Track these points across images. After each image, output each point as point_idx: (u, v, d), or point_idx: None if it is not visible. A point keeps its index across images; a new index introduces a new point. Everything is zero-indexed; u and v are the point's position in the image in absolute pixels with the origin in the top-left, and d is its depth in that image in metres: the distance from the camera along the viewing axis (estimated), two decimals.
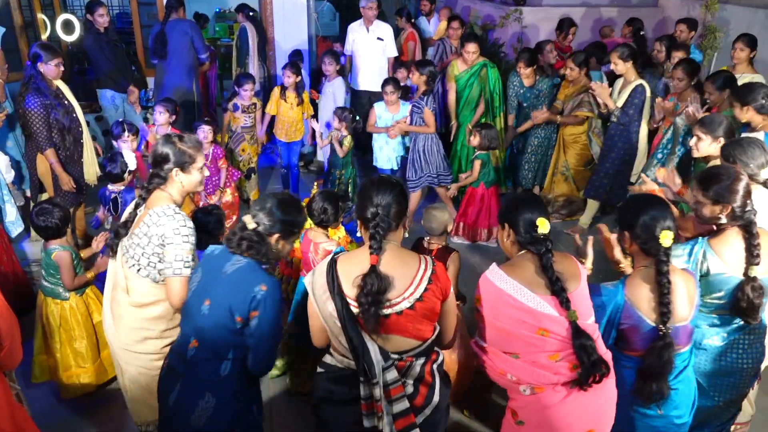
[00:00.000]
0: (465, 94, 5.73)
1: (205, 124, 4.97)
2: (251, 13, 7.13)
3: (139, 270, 2.53)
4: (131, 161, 3.95)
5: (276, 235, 2.33)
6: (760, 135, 3.32)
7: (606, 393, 2.20)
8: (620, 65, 4.82)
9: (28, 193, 5.21)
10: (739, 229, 2.48)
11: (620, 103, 4.85)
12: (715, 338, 2.59)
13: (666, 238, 2.19)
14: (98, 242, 3.32)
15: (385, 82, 5.33)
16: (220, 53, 8.83)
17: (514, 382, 2.20)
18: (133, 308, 2.58)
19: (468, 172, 5.17)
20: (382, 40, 6.46)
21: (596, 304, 2.26)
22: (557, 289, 2.11)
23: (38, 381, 3.41)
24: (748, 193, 2.46)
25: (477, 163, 4.99)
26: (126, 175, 3.91)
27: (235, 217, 5.40)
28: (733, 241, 2.49)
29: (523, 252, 2.25)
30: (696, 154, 3.35)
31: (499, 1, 7.99)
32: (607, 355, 2.18)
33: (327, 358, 2.25)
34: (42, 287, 3.32)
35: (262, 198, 2.40)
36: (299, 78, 5.70)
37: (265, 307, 2.20)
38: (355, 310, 2.07)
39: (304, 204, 3.09)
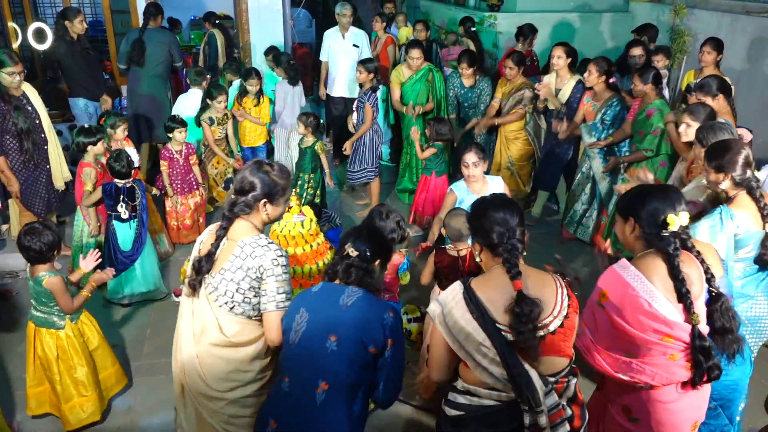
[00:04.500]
0: (410, 99, 5.86)
1: (180, 125, 5.05)
2: (217, 21, 7.44)
3: (232, 308, 2.31)
4: (135, 158, 4.20)
5: (378, 261, 2.28)
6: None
7: (709, 387, 2.26)
8: (562, 61, 5.18)
9: None
10: (746, 194, 2.83)
11: (564, 100, 5.22)
12: (749, 288, 2.92)
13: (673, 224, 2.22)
14: (87, 262, 3.12)
15: (470, 148, 3.90)
16: (192, 53, 8.90)
17: (629, 381, 2.20)
18: (228, 350, 2.35)
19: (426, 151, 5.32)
20: (357, 47, 6.49)
21: None
22: (684, 293, 2.08)
23: (35, 413, 3.26)
24: (747, 164, 2.79)
25: (430, 150, 5.23)
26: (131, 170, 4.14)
27: (202, 219, 5.39)
28: (745, 203, 2.83)
29: (651, 251, 2.17)
30: (685, 139, 3.76)
31: (474, 6, 8.08)
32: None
33: (459, 398, 2.08)
34: (33, 318, 3.10)
35: (353, 229, 2.36)
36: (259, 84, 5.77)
37: (397, 333, 2.14)
38: (508, 336, 1.95)
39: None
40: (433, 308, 2.07)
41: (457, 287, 2.04)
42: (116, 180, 4.08)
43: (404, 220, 3.36)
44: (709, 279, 2.27)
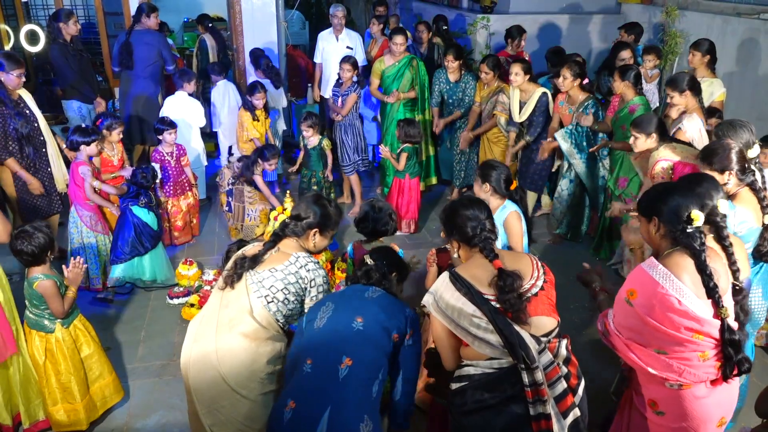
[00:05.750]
0: (394, 87, 5.87)
1: (169, 126, 5.07)
2: (210, 24, 7.47)
3: (270, 302, 2.46)
4: (158, 171, 4.73)
5: (393, 274, 2.56)
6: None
7: (737, 383, 2.28)
8: (519, 78, 5.16)
9: None
10: (748, 188, 2.91)
11: (527, 113, 5.25)
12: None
13: (697, 219, 2.22)
14: (69, 271, 3.06)
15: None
16: (185, 55, 8.88)
17: (659, 377, 2.20)
18: (253, 343, 2.43)
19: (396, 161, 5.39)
20: (351, 49, 6.50)
21: None
22: (712, 287, 2.11)
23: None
24: (742, 158, 2.89)
25: (403, 156, 5.29)
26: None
27: (195, 220, 5.38)
28: (747, 199, 2.90)
29: (678, 248, 2.19)
30: (636, 150, 3.90)
31: (468, 8, 8.11)
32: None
33: (466, 370, 2.22)
34: (26, 318, 3.09)
35: (378, 248, 2.75)
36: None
37: (417, 329, 2.37)
38: (495, 304, 2.12)
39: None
40: (427, 299, 2.25)
41: (444, 275, 2.24)
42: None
43: (395, 212, 3.53)
44: (735, 272, 2.33)
